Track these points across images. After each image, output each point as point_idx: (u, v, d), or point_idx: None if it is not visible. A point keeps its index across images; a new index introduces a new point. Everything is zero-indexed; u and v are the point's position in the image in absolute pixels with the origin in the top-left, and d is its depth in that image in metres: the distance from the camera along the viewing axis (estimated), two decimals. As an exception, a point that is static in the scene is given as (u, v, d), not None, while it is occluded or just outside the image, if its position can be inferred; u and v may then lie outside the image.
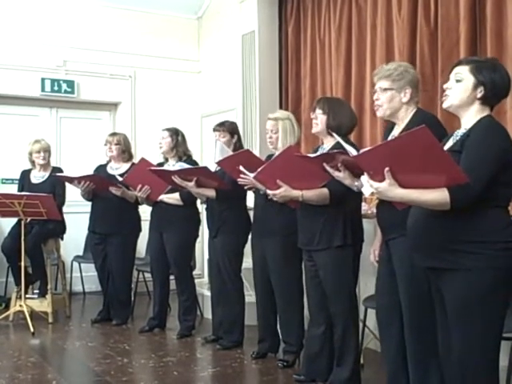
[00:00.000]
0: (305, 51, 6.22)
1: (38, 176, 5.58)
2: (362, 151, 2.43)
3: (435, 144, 2.17)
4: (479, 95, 2.38)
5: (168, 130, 4.96)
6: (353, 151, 2.53)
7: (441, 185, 2.25)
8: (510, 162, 2.32)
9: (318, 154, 2.89)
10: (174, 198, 4.79)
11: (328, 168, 2.74)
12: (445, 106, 2.48)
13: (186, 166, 4.56)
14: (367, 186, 2.37)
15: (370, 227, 3.79)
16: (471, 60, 2.44)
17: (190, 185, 4.37)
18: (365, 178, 2.38)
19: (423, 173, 2.24)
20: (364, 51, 5.46)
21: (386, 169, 2.26)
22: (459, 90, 2.41)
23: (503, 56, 4.26)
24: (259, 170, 3.48)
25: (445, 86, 2.47)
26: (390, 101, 2.89)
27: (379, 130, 5.08)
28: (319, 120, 3.52)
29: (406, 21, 4.96)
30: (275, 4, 6.48)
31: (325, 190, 3.35)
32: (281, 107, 6.22)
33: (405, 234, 2.54)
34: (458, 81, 2.41)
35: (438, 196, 2.27)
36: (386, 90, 2.89)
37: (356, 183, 2.84)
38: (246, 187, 3.98)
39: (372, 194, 2.39)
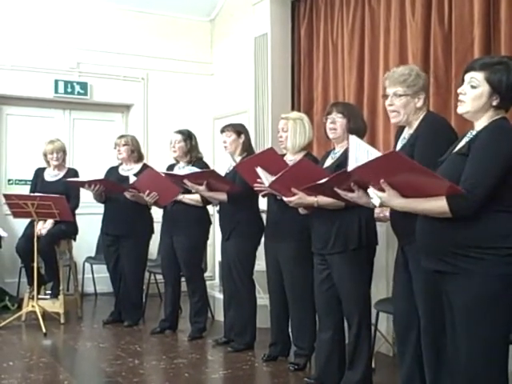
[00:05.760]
0: (317, 54, 6.22)
1: (52, 174, 5.62)
2: (354, 167, 2.44)
3: (413, 166, 2.20)
4: (494, 103, 2.35)
5: (181, 133, 4.93)
6: (372, 152, 2.53)
7: (441, 193, 2.26)
8: None
9: (325, 180, 2.82)
10: (194, 200, 4.76)
11: (340, 192, 2.70)
12: (460, 111, 2.44)
13: (195, 169, 4.56)
14: (375, 197, 2.39)
15: (381, 231, 3.78)
16: (484, 65, 2.38)
17: (201, 188, 4.37)
18: (371, 190, 2.40)
19: (417, 185, 2.26)
20: (377, 54, 5.44)
21: (381, 180, 2.30)
22: (474, 97, 2.37)
23: (517, 60, 4.22)
24: (273, 179, 3.47)
25: (459, 91, 2.44)
26: (405, 106, 2.86)
27: (392, 133, 5.06)
28: (338, 124, 3.52)
29: (419, 24, 4.94)
30: (288, 6, 6.49)
31: None
32: (293, 110, 6.21)
33: None
34: (472, 87, 2.37)
35: (436, 206, 2.29)
36: (401, 95, 2.87)
37: (371, 200, 2.80)
38: (261, 194, 3.99)
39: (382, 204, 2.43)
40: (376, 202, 2.41)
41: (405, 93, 2.86)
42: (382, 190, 2.35)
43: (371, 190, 2.39)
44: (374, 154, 2.55)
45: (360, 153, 2.58)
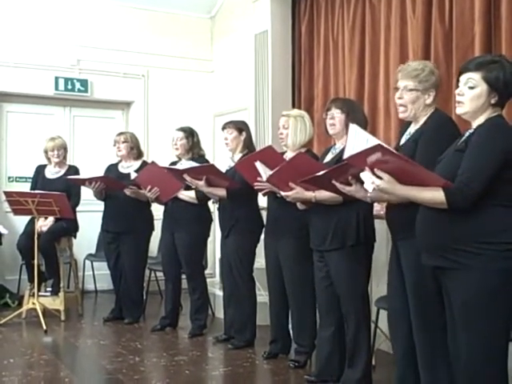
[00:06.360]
0: (318, 51, 6.21)
1: (52, 171, 5.62)
2: (351, 154, 2.44)
3: (399, 158, 2.20)
4: (493, 101, 2.39)
5: (183, 130, 4.92)
6: (372, 141, 2.52)
7: (437, 184, 2.28)
8: None
9: (324, 172, 2.84)
10: (189, 196, 4.78)
11: (338, 185, 2.72)
12: (459, 112, 2.47)
13: (195, 164, 4.55)
14: (368, 183, 2.39)
15: (381, 227, 3.78)
16: (479, 64, 2.40)
17: (201, 184, 4.37)
18: (367, 175, 2.39)
19: (412, 175, 2.26)
20: (378, 51, 5.44)
21: (375, 169, 2.31)
22: (473, 97, 2.40)
23: (518, 56, 4.22)
24: (271, 173, 3.47)
25: (457, 92, 2.46)
26: (414, 102, 2.85)
27: (393, 129, 5.06)
28: (337, 120, 3.53)
29: (420, 21, 4.93)
30: (288, 3, 6.48)
31: None
32: (293, 107, 6.20)
33: (413, 236, 2.53)
34: (470, 87, 2.40)
35: (433, 196, 2.32)
36: (411, 90, 2.85)
37: (369, 194, 2.69)
38: (262, 192, 3.98)
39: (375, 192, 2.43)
40: (368, 187, 2.41)
41: (415, 88, 2.85)
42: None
43: (367, 174, 2.39)
44: (373, 142, 2.54)
45: (359, 141, 2.58)
